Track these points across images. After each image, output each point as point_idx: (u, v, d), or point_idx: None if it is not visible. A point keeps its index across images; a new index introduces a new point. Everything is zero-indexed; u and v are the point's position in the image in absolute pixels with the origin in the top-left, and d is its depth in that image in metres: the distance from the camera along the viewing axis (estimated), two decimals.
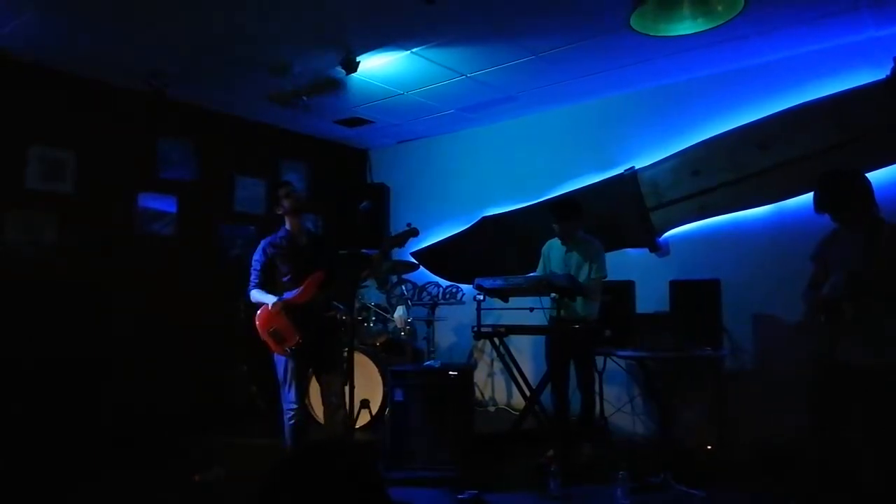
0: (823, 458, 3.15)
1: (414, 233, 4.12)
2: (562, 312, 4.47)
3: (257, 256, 4.08)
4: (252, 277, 4.06)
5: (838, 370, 3.02)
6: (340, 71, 4.91)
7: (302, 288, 3.94)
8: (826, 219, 3.23)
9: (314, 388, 4.52)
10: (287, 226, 4.13)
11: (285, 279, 4.03)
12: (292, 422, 3.95)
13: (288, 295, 3.96)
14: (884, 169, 4.45)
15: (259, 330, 3.98)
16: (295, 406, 3.95)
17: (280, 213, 4.12)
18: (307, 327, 3.90)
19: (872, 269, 2.94)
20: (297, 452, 1.38)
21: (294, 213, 4.09)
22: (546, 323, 4.63)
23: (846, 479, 3.04)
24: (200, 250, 6.08)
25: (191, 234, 6.01)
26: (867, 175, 3.19)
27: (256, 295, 4.03)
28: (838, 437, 3.08)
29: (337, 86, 5.16)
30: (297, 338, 3.88)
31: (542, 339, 4.94)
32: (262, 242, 4.12)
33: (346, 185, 7.33)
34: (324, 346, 4.05)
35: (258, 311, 4.00)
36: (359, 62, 4.84)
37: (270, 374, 4.07)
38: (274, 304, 3.90)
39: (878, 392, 2.91)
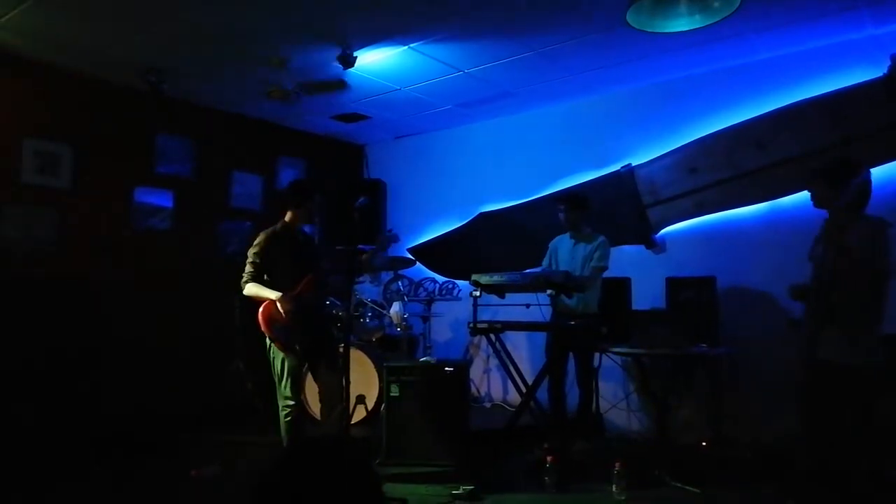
0: (813, 456, 3.16)
1: (394, 239, 4.18)
2: (562, 307, 4.52)
3: (255, 250, 4.00)
4: (248, 269, 3.97)
5: (820, 369, 3.03)
6: (339, 68, 4.90)
7: (301, 284, 3.93)
8: (819, 217, 3.26)
9: (311, 386, 4.52)
10: (287, 219, 4.10)
11: (283, 274, 3.99)
12: (289, 418, 3.95)
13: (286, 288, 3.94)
14: (881, 167, 4.46)
15: (264, 326, 3.87)
16: (291, 402, 3.95)
17: (290, 209, 4.08)
18: (304, 324, 3.89)
19: (836, 264, 2.92)
20: (293, 448, 1.37)
21: (303, 221, 4.11)
22: (544, 319, 4.67)
23: (838, 478, 3.05)
24: (197, 246, 6.07)
25: (187, 230, 6.00)
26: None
27: (252, 289, 3.93)
28: (826, 435, 3.08)
29: (342, 86, 5.01)
30: (298, 332, 3.88)
31: (537, 335, 4.95)
32: (261, 236, 4.05)
33: (343, 181, 7.32)
34: (320, 343, 4.05)
35: (262, 307, 3.89)
36: (356, 57, 4.82)
37: (267, 371, 4.06)
38: (281, 300, 3.82)
39: (854, 390, 2.93)
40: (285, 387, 3.94)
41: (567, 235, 4.94)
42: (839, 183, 2.99)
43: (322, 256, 4.25)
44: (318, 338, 4.03)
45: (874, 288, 2.93)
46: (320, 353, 4.05)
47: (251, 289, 3.94)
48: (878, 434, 3.07)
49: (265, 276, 3.99)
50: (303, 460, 1.39)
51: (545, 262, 5.07)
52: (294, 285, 3.93)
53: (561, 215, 4.85)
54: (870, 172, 3.05)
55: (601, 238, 4.82)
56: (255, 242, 4.04)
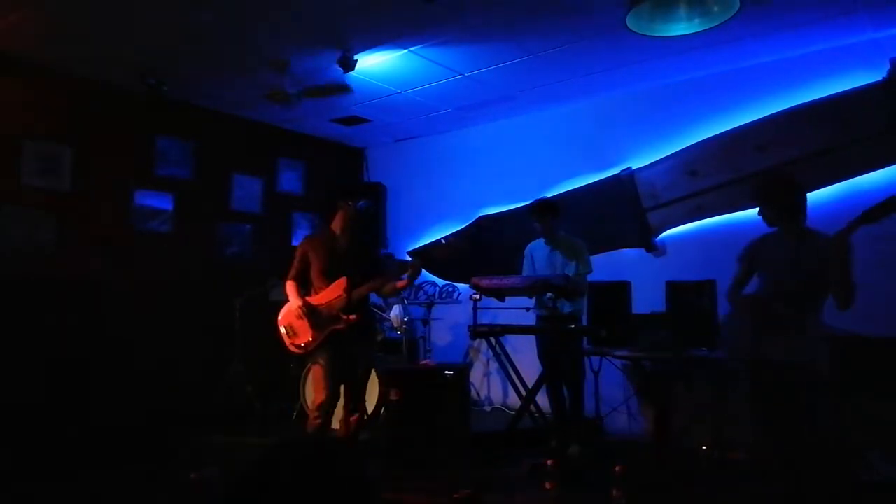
0: (775, 454, 3.26)
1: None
2: (552, 311, 4.52)
3: (298, 248, 4.13)
4: (291, 269, 4.10)
5: (766, 367, 3.18)
6: (340, 71, 4.91)
7: (328, 289, 3.94)
8: (814, 222, 3.29)
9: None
10: (333, 225, 4.12)
11: (316, 277, 4.03)
12: (318, 422, 3.91)
13: (320, 290, 3.99)
14: (880, 171, 4.47)
15: (278, 322, 4.04)
16: (323, 406, 3.90)
17: (338, 212, 4.10)
18: (324, 328, 3.89)
19: (799, 273, 3.10)
20: (274, 450, 1.34)
21: (360, 220, 4.10)
22: (535, 322, 4.66)
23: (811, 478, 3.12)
24: (197, 248, 6.08)
25: (187, 232, 6.01)
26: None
27: (287, 288, 4.05)
28: (782, 428, 3.20)
29: (344, 90, 5.13)
30: (309, 337, 3.87)
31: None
32: (304, 237, 4.19)
33: (343, 184, 7.32)
34: (351, 347, 3.98)
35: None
36: (356, 60, 4.83)
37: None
38: (300, 308, 3.91)
39: (797, 387, 3.08)
40: (307, 392, 3.94)
41: (541, 241, 4.92)
42: (796, 201, 3.23)
43: (374, 263, 4.20)
44: (347, 342, 3.95)
45: (825, 296, 3.11)
46: (351, 359, 3.99)
47: (287, 287, 4.06)
48: (849, 433, 3.19)
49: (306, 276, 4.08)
50: (280, 462, 1.36)
51: (525, 269, 5.05)
52: (326, 288, 3.96)
53: (536, 226, 4.81)
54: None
55: (580, 243, 4.80)
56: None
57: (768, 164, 4.92)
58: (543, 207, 4.85)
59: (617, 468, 3.75)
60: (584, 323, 4.81)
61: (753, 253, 3.42)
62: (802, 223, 3.24)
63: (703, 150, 5.29)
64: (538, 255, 4.92)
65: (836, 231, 3.01)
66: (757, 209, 3.35)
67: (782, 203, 3.25)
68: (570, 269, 4.71)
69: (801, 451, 3.13)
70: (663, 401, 4.53)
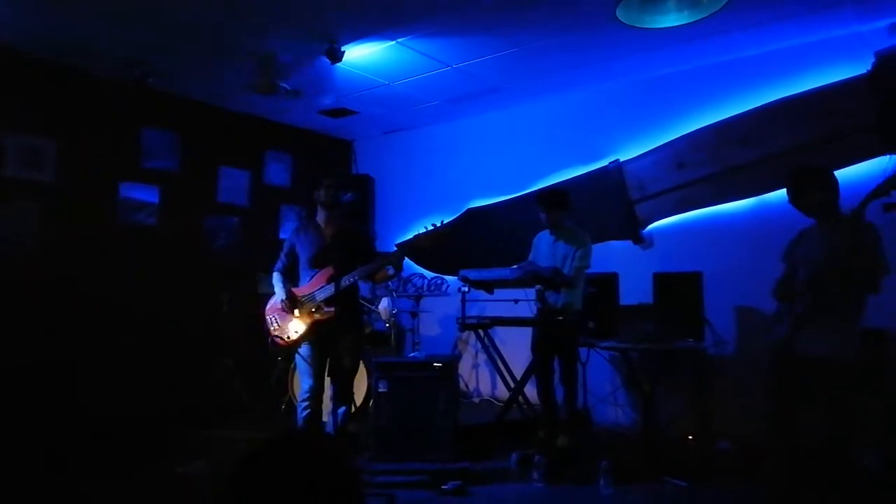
0: (781, 443, 3.24)
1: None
2: (546, 304, 4.52)
3: (285, 241, 4.16)
4: (277, 261, 4.14)
5: (795, 360, 3.12)
6: (327, 62, 4.88)
7: (312, 280, 3.95)
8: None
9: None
10: (318, 217, 4.15)
11: (303, 268, 4.06)
12: (306, 413, 3.94)
13: (305, 282, 4.00)
14: (865, 163, 4.51)
15: (264, 313, 4.07)
16: (308, 395, 3.93)
17: (317, 202, 4.14)
18: (309, 319, 3.89)
19: (835, 264, 3.02)
20: (267, 443, 1.34)
21: (326, 206, 4.10)
22: (531, 314, 4.65)
23: (816, 470, 3.12)
24: (183, 241, 6.03)
25: (173, 225, 5.96)
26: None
27: (274, 279, 4.08)
28: (793, 423, 3.19)
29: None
30: (295, 329, 3.88)
31: (526, 330, 4.96)
32: (292, 228, 4.25)
33: (331, 176, 7.29)
34: (338, 339, 3.95)
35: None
36: (343, 52, 4.80)
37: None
38: (283, 301, 3.94)
39: (831, 382, 3.02)
40: (305, 380, 3.96)
41: (547, 232, 4.85)
42: (832, 188, 3.15)
43: (362, 252, 4.11)
44: (332, 333, 3.91)
45: (862, 284, 3.02)
46: (336, 350, 3.95)
47: (273, 278, 4.09)
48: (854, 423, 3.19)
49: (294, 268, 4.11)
50: (276, 456, 1.37)
51: (529, 259, 5.03)
52: (311, 279, 3.97)
53: (541, 215, 4.73)
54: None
55: (584, 236, 4.73)
56: None
57: (754, 156, 4.96)
58: (553, 198, 4.76)
59: (604, 459, 3.78)
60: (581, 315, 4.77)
61: (792, 249, 3.35)
62: (838, 211, 3.17)
63: (690, 142, 5.31)
64: (542, 245, 4.88)
65: (851, 210, 3.01)
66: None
67: (816, 195, 3.16)
68: (569, 261, 4.68)
69: (809, 449, 3.11)
70: (650, 392, 4.56)
